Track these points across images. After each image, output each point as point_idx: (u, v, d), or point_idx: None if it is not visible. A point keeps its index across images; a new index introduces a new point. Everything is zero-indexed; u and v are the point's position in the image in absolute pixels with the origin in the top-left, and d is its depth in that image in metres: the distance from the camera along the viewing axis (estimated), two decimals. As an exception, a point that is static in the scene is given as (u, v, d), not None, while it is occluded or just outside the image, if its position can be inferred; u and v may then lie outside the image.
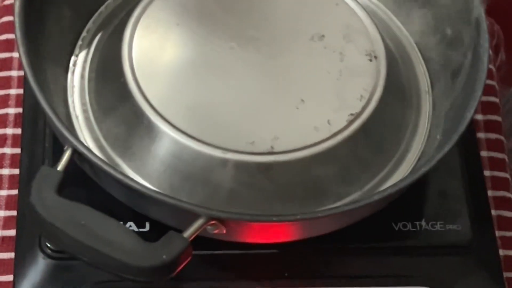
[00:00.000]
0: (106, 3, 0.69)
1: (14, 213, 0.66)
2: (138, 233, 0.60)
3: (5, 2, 0.77)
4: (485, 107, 0.76)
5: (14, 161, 0.69)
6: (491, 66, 0.79)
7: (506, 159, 0.74)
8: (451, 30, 0.67)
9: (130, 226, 0.62)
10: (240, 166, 0.59)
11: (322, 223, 0.59)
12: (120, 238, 0.53)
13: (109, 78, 0.64)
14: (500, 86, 0.87)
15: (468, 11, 0.64)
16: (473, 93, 0.61)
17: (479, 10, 0.63)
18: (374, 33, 0.66)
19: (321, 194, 0.61)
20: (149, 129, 0.60)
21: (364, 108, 0.62)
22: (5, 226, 0.66)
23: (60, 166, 0.56)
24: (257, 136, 0.60)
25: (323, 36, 0.65)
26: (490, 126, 0.75)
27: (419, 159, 0.65)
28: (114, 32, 0.66)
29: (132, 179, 0.56)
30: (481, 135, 0.74)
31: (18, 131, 0.69)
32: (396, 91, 0.66)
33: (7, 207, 0.67)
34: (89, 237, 0.53)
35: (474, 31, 0.63)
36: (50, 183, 0.55)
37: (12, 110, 0.71)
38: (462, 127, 0.59)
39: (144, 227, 0.63)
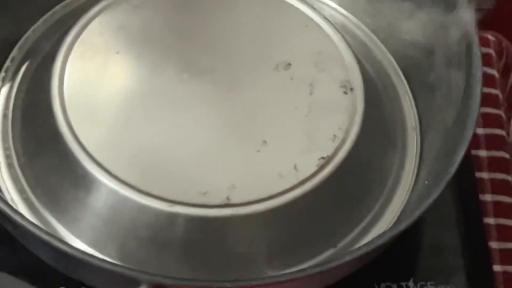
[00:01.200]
0: (33, 27, 0.72)
1: None
2: (72, 300, 0.63)
3: None
4: (489, 142, 0.78)
5: None
6: (497, 92, 0.81)
7: None
8: (441, 53, 0.69)
9: (63, 292, 0.65)
10: (192, 221, 0.61)
11: None
12: None
13: (37, 118, 0.66)
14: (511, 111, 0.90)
15: (461, 36, 0.66)
16: (463, 132, 0.63)
17: (471, 36, 0.65)
18: (350, 59, 0.68)
19: (287, 253, 0.63)
20: (84, 179, 0.62)
21: (337, 150, 0.64)
22: None
23: None
24: (211, 185, 0.62)
25: (289, 64, 0.67)
26: (495, 165, 0.77)
27: (404, 208, 0.67)
28: (43, 62, 0.68)
29: (60, 240, 0.57)
30: (484, 175, 0.76)
31: None
32: (377, 128, 0.67)
33: None
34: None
35: (466, 58, 0.66)
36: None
37: None
38: (449, 174, 0.61)
39: (79, 293, 0.65)
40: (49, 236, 0.57)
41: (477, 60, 0.65)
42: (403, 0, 0.70)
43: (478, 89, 0.64)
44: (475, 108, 0.63)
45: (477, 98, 0.64)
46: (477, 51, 0.65)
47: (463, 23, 0.66)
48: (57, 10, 0.73)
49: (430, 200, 0.60)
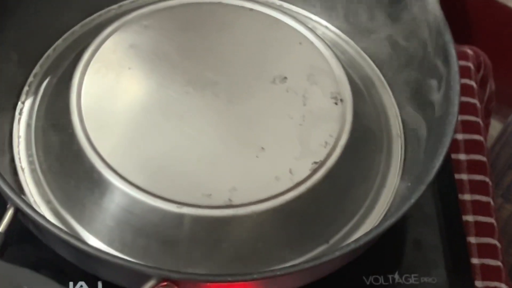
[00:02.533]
0: (54, 45, 0.72)
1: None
2: (89, 294, 0.63)
3: None
4: (468, 146, 0.78)
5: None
6: (473, 101, 0.81)
7: (491, 202, 0.76)
8: (423, 68, 0.69)
9: (81, 286, 0.65)
10: (196, 220, 0.61)
11: (283, 281, 0.61)
12: None
13: (57, 128, 0.66)
14: (489, 119, 0.90)
15: (441, 52, 0.67)
16: (442, 138, 0.63)
17: (450, 52, 0.65)
18: (340, 73, 0.68)
19: (284, 249, 0.63)
20: (99, 183, 0.63)
21: (329, 156, 0.64)
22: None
23: (1, 227, 0.58)
24: (214, 188, 0.62)
25: (285, 78, 0.67)
26: (473, 167, 0.77)
27: (389, 208, 0.67)
28: (62, 77, 0.69)
29: (78, 239, 0.58)
30: (463, 176, 0.77)
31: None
32: (365, 135, 0.68)
33: None
34: (32, 303, 0.55)
35: (445, 72, 0.66)
36: (-10, 245, 0.57)
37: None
38: (429, 177, 0.61)
39: (96, 286, 0.65)
40: (68, 236, 0.58)
41: (455, 74, 0.65)
42: (393, 22, 0.71)
43: (456, 100, 0.64)
44: (453, 117, 0.63)
45: (455, 109, 0.64)
46: (455, 66, 0.65)
47: (442, 41, 0.67)
48: (76, 30, 0.73)
49: (412, 200, 0.60)
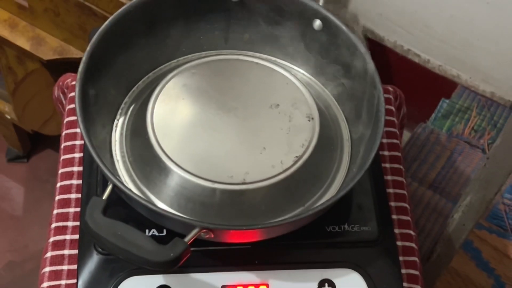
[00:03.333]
0: (137, 84, 0.71)
1: (78, 223, 0.68)
2: (158, 237, 0.63)
3: (70, 94, 0.76)
4: (389, 146, 0.77)
5: (78, 189, 0.69)
6: (393, 118, 0.80)
7: (404, 181, 0.75)
8: (361, 98, 0.68)
9: (153, 232, 0.64)
10: (223, 192, 0.61)
11: (277, 229, 0.61)
12: (143, 243, 0.55)
13: (139, 135, 0.66)
14: (402, 130, 0.89)
15: (373, 91, 0.65)
16: (374, 141, 0.62)
17: (379, 90, 0.64)
18: (311, 102, 0.67)
19: (277, 210, 0.63)
20: (164, 169, 0.62)
21: (304, 152, 0.64)
22: (73, 232, 0.67)
23: (105, 196, 0.58)
24: (234, 172, 0.62)
25: (278, 104, 0.67)
26: (393, 159, 0.76)
27: (342, 184, 0.66)
28: (142, 104, 0.68)
29: (151, 203, 0.58)
30: (386, 165, 0.75)
31: (81, 168, 0.70)
32: (326, 140, 0.67)
33: (74, 219, 0.68)
34: (123, 243, 0.55)
35: (376, 101, 0.65)
36: (98, 207, 0.57)
37: (77, 155, 0.72)
38: (366, 166, 0.60)
39: (162, 232, 0.64)
40: (145, 201, 0.58)
41: (382, 103, 0.64)
42: (345, 73, 0.69)
43: (382, 118, 0.63)
44: (380, 129, 0.63)
45: (381, 124, 0.63)
46: (381, 97, 0.64)
47: (374, 83, 0.66)
48: (150, 75, 0.72)
49: (356, 180, 0.60)
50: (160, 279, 0.62)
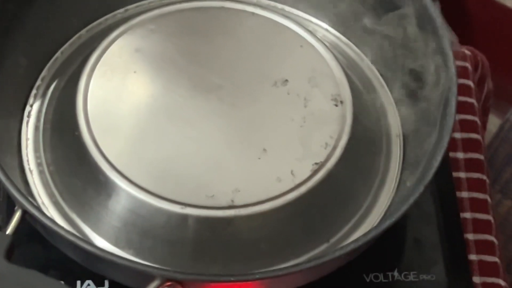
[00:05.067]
0: (61, 49, 0.71)
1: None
2: (96, 293, 0.63)
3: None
4: (465, 145, 0.78)
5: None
6: (472, 100, 0.80)
7: (489, 199, 0.76)
8: (420, 70, 0.68)
9: (89, 285, 0.65)
10: (200, 221, 0.61)
11: (285, 281, 0.61)
12: None
13: (64, 130, 0.66)
14: (487, 117, 0.90)
15: (439, 53, 0.66)
16: (441, 139, 0.62)
17: (447, 54, 0.65)
18: (340, 76, 0.67)
19: (286, 249, 0.63)
20: (106, 185, 0.62)
21: (329, 157, 0.64)
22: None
23: (10, 229, 0.57)
24: (217, 189, 0.62)
25: (286, 80, 0.67)
26: (471, 165, 0.77)
27: (388, 208, 0.66)
28: (69, 81, 0.68)
29: (85, 241, 0.58)
30: (461, 174, 0.76)
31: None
32: (364, 136, 0.67)
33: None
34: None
35: (444, 76, 0.65)
36: None
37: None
38: (428, 177, 0.60)
39: (103, 285, 0.65)
40: (75, 237, 0.58)
41: (452, 76, 0.64)
42: (391, 24, 0.70)
43: (453, 101, 0.64)
44: (450, 119, 0.63)
45: (452, 110, 0.63)
46: (452, 67, 0.65)
47: (440, 43, 0.66)
48: (82, 34, 0.73)
49: (411, 201, 0.60)
50: None
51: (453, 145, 0.78)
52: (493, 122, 1.08)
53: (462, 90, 0.79)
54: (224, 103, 0.66)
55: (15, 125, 0.68)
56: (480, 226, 0.74)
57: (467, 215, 0.74)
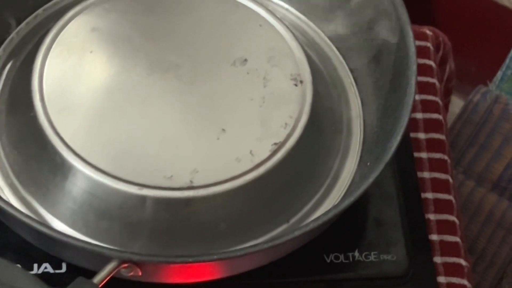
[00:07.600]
0: (17, 29, 0.71)
1: None
2: (54, 274, 0.64)
3: None
4: (427, 125, 0.77)
5: None
6: (434, 81, 0.80)
7: (450, 180, 0.76)
8: (379, 48, 0.68)
9: (46, 268, 0.64)
10: (158, 202, 0.61)
11: (243, 261, 0.61)
12: (25, 286, 0.55)
13: (20, 111, 0.65)
14: (449, 98, 0.90)
15: (398, 32, 0.66)
16: (400, 118, 0.62)
17: (407, 33, 0.65)
18: (300, 55, 0.67)
19: (245, 229, 0.63)
20: (62, 166, 0.62)
21: (288, 136, 0.64)
22: None
23: None
24: (175, 170, 0.62)
25: (246, 60, 0.67)
26: (433, 145, 0.77)
27: (349, 187, 0.66)
28: (25, 61, 0.68)
29: (41, 223, 0.58)
30: (423, 155, 0.76)
31: None
32: (324, 116, 0.67)
33: None
34: (-6, 288, 0.55)
35: (403, 55, 0.65)
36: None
37: None
38: (387, 156, 0.60)
39: (60, 268, 0.64)
40: (31, 220, 0.57)
41: (412, 55, 0.64)
42: (351, 4, 0.70)
43: (413, 80, 0.64)
44: (410, 98, 0.63)
45: (411, 89, 0.63)
46: (412, 46, 0.65)
47: (399, 23, 0.66)
48: (39, 14, 0.72)
49: (371, 180, 0.60)
50: None
51: (414, 125, 0.77)
52: (457, 104, 1.08)
53: (423, 70, 0.79)
54: (182, 82, 0.66)
55: (-32, 106, 0.67)
56: (441, 206, 0.74)
57: (428, 195, 0.74)
